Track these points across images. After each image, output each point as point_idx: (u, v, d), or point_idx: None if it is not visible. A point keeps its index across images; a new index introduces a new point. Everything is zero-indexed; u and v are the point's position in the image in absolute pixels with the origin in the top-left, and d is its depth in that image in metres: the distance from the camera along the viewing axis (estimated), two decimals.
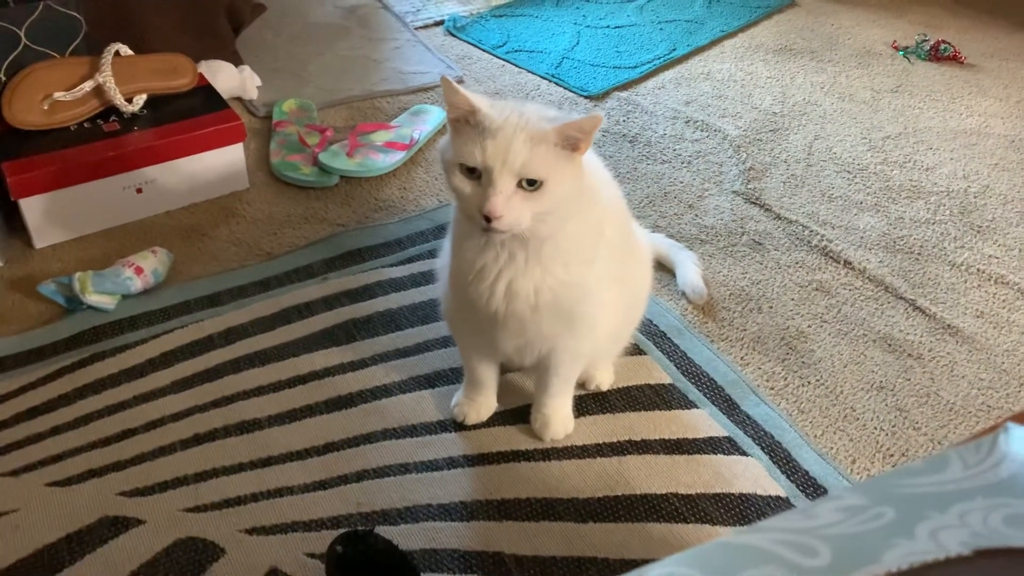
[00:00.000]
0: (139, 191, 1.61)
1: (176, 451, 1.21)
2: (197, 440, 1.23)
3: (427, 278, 1.50)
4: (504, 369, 1.31)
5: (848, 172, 1.87)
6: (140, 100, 1.64)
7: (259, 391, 1.30)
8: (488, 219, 0.94)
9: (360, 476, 1.18)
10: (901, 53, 2.35)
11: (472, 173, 0.97)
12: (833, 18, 2.53)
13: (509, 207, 0.94)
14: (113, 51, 1.62)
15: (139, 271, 1.44)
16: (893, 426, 1.31)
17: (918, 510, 0.44)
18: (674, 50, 2.29)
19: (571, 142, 0.96)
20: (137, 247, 1.52)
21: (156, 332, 1.39)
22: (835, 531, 0.44)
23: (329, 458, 1.21)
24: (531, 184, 0.95)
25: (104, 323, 1.40)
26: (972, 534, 0.44)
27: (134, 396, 1.29)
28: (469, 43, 2.31)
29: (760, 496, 1.19)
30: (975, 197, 1.81)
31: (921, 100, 2.15)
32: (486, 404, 1.27)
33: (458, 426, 1.26)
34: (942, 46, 2.32)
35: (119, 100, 1.60)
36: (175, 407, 1.27)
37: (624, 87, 2.13)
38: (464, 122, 0.98)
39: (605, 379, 1.32)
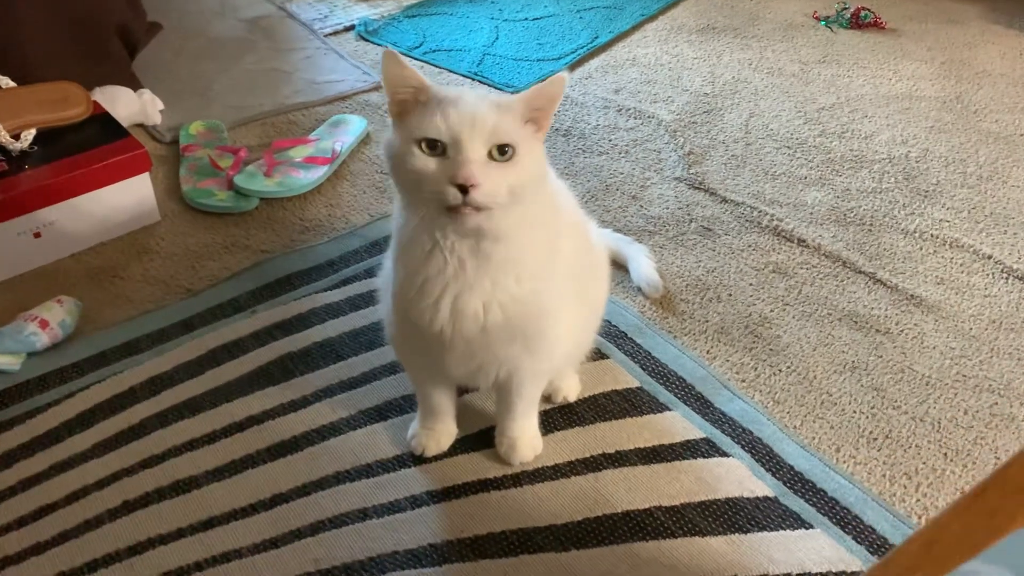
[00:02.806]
0: (37, 235, 1.45)
1: (104, 523, 1.08)
2: (127, 508, 1.09)
3: (367, 300, 1.39)
4: (461, 391, 1.21)
5: (788, 147, 1.82)
6: (29, 136, 1.49)
7: (192, 445, 1.17)
8: (464, 191, 0.83)
9: (315, 528, 1.07)
10: (823, 23, 2.32)
11: (434, 148, 0.86)
12: None
13: (486, 174, 0.84)
14: None
15: (44, 324, 1.30)
16: (872, 407, 1.25)
17: None
18: (596, 38, 2.22)
19: (536, 114, 0.88)
20: (40, 298, 1.37)
21: (70, 390, 1.25)
22: None
23: (278, 512, 1.09)
24: (502, 153, 0.85)
25: (9, 386, 1.25)
26: None
27: (50, 466, 1.15)
28: (384, 46, 2.19)
29: (747, 499, 1.11)
30: (917, 162, 1.78)
31: (849, 69, 2.12)
32: (445, 432, 1.16)
33: (417, 459, 1.15)
34: (862, 13, 2.30)
35: (4, 138, 1.45)
36: (99, 473, 1.14)
37: None
38: (414, 103, 0.88)
39: (572, 389, 1.23)
